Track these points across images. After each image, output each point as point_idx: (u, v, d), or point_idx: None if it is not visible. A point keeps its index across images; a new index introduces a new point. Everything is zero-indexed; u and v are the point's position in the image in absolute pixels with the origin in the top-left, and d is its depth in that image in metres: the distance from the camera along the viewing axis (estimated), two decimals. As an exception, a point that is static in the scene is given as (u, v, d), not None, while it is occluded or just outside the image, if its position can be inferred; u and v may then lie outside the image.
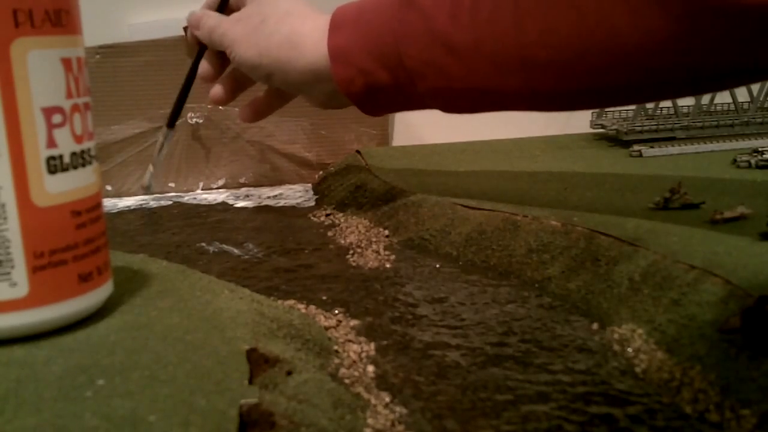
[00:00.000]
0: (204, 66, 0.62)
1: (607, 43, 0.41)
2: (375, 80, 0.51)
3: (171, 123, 0.68)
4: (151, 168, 0.69)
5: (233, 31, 0.57)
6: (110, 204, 0.76)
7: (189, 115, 0.81)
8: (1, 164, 0.27)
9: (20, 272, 0.28)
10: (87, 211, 0.30)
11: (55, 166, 0.29)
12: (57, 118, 0.29)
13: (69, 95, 0.29)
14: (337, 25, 0.52)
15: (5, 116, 0.27)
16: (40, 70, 0.28)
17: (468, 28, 0.45)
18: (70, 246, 0.30)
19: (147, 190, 0.71)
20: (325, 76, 0.53)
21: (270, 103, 0.64)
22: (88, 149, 0.31)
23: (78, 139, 0.30)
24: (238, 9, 0.60)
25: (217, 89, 0.62)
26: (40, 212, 0.28)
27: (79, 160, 0.30)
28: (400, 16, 0.48)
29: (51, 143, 0.29)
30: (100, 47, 0.79)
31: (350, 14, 0.52)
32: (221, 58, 0.62)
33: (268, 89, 0.63)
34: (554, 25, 0.42)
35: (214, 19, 0.60)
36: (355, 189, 0.68)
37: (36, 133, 0.28)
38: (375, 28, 0.50)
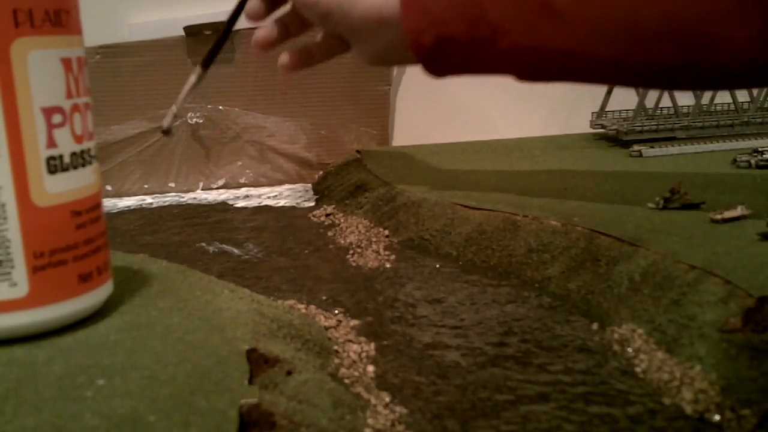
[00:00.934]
0: (253, 4, 0.56)
1: (727, 20, 0.37)
2: (449, 33, 0.45)
3: (206, 64, 0.63)
4: (173, 108, 0.65)
5: None
6: (110, 204, 0.76)
7: (189, 115, 0.81)
8: (1, 164, 0.27)
9: (20, 272, 0.28)
10: (87, 211, 0.30)
11: (55, 166, 0.29)
12: (57, 118, 0.29)
13: (69, 95, 0.29)
14: None
15: (5, 116, 0.27)
16: (40, 70, 0.28)
17: None
18: (70, 246, 0.29)
19: (166, 133, 0.68)
20: (391, 22, 0.47)
21: (316, 53, 0.58)
22: (88, 149, 0.31)
23: (78, 139, 0.30)
24: None
25: (263, 31, 0.57)
26: (40, 212, 0.28)
27: (79, 160, 0.30)
28: None
29: (51, 143, 0.28)
30: (100, 47, 0.79)
31: None
32: (270, 1, 0.56)
33: (321, 38, 0.58)
34: None
35: None
36: (355, 189, 0.68)
37: (36, 133, 0.28)
38: None
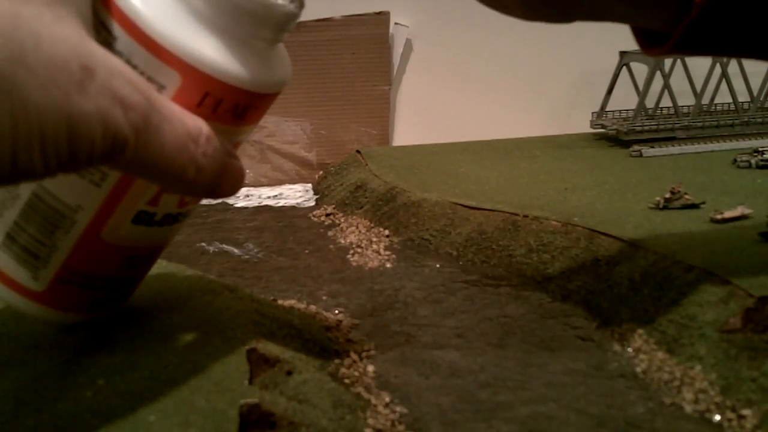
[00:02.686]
0: None
1: None
2: None
3: None
4: None
5: None
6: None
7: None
8: (95, 196, 0.26)
9: (47, 274, 0.28)
10: (144, 257, 0.29)
11: (142, 219, 0.27)
12: None
13: None
14: None
15: None
16: None
17: None
18: (105, 278, 0.29)
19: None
20: None
21: None
22: (186, 213, 0.29)
23: (182, 204, 0.28)
24: None
25: None
26: (100, 245, 0.27)
27: (170, 219, 0.28)
28: None
29: (153, 203, 0.27)
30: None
31: None
32: None
33: None
34: None
35: None
36: (355, 189, 0.68)
37: (146, 192, 0.26)
38: None
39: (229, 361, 0.28)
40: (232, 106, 0.25)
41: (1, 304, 0.30)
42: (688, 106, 0.83)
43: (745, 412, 0.30)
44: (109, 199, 0.26)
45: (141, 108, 0.21)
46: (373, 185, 0.66)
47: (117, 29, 0.23)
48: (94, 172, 0.25)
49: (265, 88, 0.25)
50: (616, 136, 0.82)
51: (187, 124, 0.22)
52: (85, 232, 0.27)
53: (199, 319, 0.32)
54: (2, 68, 0.18)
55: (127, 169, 0.22)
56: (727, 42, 0.34)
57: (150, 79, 0.23)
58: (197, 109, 0.24)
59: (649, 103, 0.83)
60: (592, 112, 0.86)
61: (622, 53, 0.84)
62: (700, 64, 0.81)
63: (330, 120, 0.84)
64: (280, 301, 0.41)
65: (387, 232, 0.58)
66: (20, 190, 0.26)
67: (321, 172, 0.81)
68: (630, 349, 0.37)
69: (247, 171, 0.82)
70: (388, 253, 0.54)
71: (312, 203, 0.73)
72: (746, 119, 0.82)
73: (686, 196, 0.51)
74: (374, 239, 0.57)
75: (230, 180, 0.25)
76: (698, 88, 0.81)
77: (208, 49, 0.23)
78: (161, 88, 0.23)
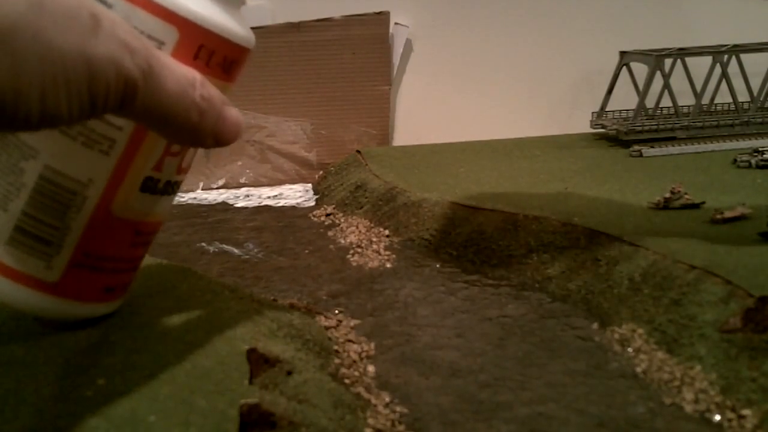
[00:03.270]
0: None
1: None
2: None
3: None
4: None
5: None
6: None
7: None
8: (105, 165, 0.27)
9: (61, 261, 0.28)
10: (147, 233, 0.30)
11: (149, 186, 0.28)
12: (175, 147, 0.28)
13: None
14: None
15: (135, 127, 0.27)
16: None
17: None
18: (116, 258, 0.29)
19: None
20: None
21: None
22: (180, 182, 0.30)
23: (180, 171, 0.30)
24: None
25: None
26: (110, 220, 0.28)
27: (170, 188, 0.30)
28: None
29: (158, 167, 0.28)
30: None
31: None
32: None
33: None
34: None
35: None
36: (355, 189, 0.68)
37: (152, 154, 0.28)
38: None
39: (229, 361, 0.28)
40: (222, 59, 0.28)
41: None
42: (688, 106, 0.83)
43: (745, 412, 0.30)
44: (119, 166, 0.27)
45: (144, 53, 0.22)
46: (373, 185, 0.66)
47: None
48: (102, 141, 0.26)
49: (247, 42, 0.29)
50: (616, 136, 0.82)
51: (183, 70, 0.24)
52: (96, 208, 0.27)
53: (199, 319, 0.32)
54: (27, 13, 0.19)
55: (139, 116, 0.23)
56: None
57: (150, 38, 0.25)
58: (193, 62, 0.26)
59: (649, 103, 0.83)
60: (592, 112, 0.86)
61: (622, 53, 0.84)
62: (700, 64, 0.81)
63: (330, 120, 0.84)
64: (280, 301, 0.41)
65: (387, 232, 0.58)
66: (25, 178, 0.27)
67: (321, 172, 0.81)
68: (630, 349, 0.37)
69: (247, 171, 0.82)
70: (388, 253, 0.54)
71: (312, 203, 0.73)
72: (746, 119, 0.82)
73: (686, 196, 0.51)
74: (374, 239, 0.57)
75: (230, 125, 0.26)
76: (698, 88, 0.81)
77: (202, 6, 0.27)
78: (161, 44, 0.26)
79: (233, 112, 0.27)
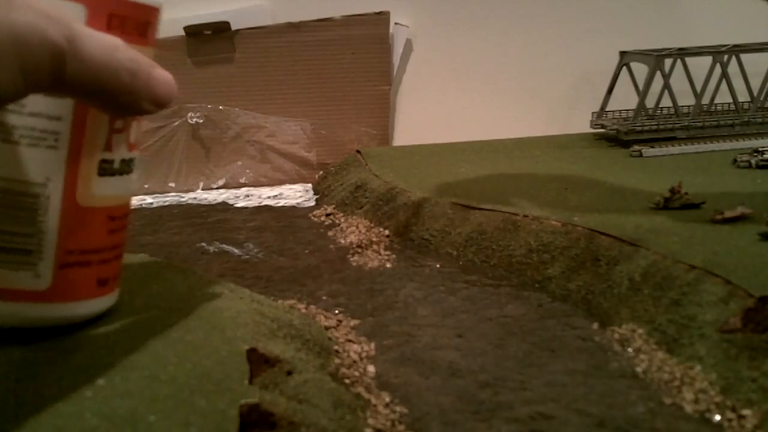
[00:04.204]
0: None
1: None
2: None
3: None
4: None
5: None
6: (110, 204, 0.76)
7: (189, 115, 0.81)
8: (57, 158, 0.27)
9: (47, 265, 0.28)
10: (120, 217, 0.30)
11: (105, 169, 0.29)
12: (119, 123, 0.29)
13: None
14: None
15: (74, 112, 0.27)
16: None
17: None
18: (99, 249, 0.29)
19: None
20: None
21: None
22: (134, 158, 0.31)
23: (131, 147, 0.30)
24: None
25: None
26: (80, 211, 0.28)
27: (126, 167, 0.30)
28: None
29: (108, 147, 0.28)
30: (100, 47, 0.79)
31: None
32: None
33: None
34: None
35: None
36: (355, 189, 0.68)
37: (98, 134, 0.28)
38: None
39: (229, 361, 0.28)
40: (135, 24, 0.28)
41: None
42: (688, 106, 0.83)
43: (745, 412, 0.30)
44: (71, 157, 0.27)
45: (64, 20, 0.22)
46: (373, 185, 0.66)
47: None
48: (46, 136, 0.27)
49: (154, 1, 0.29)
50: (616, 136, 0.82)
51: (104, 36, 0.24)
52: (63, 205, 0.28)
53: (199, 319, 0.32)
54: None
55: (72, 88, 0.23)
56: None
57: None
58: (108, 32, 0.26)
59: (649, 103, 0.83)
60: (592, 112, 0.86)
61: (622, 53, 0.84)
62: (700, 64, 0.81)
63: (330, 120, 0.84)
64: (280, 301, 0.41)
65: (387, 232, 0.58)
66: None
67: (321, 172, 0.81)
68: (630, 349, 0.37)
69: (247, 171, 0.82)
70: (388, 253, 0.54)
71: (312, 203, 0.73)
72: (746, 119, 0.82)
73: (686, 196, 0.51)
74: (374, 239, 0.57)
75: (163, 84, 0.26)
76: (698, 88, 0.81)
77: None
78: None
79: (163, 72, 0.27)
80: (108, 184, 0.29)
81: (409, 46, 0.91)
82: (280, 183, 0.83)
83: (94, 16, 0.26)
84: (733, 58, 0.81)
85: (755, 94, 0.83)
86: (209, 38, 0.81)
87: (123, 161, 0.29)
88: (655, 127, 0.81)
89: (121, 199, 0.30)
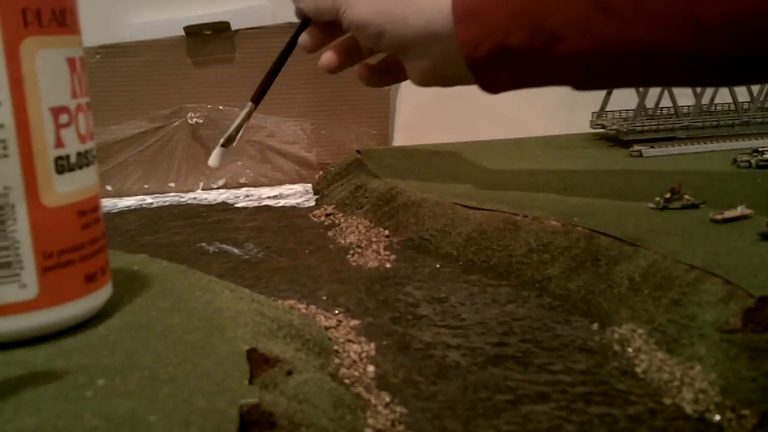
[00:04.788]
0: (304, 37, 0.59)
1: None
2: (505, 43, 0.44)
3: (257, 99, 0.63)
4: (221, 145, 0.64)
5: None
6: (110, 204, 0.76)
7: (189, 115, 0.81)
8: (11, 165, 0.27)
9: (30, 273, 0.28)
10: (91, 211, 0.31)
11: (62, 166, 0.29)
12: (64, 118, 0.29)
13: (74, 95, 0.29)
14: None
15: (15, 116, 0.27)
16: (48, 70, 0.28)
17: None
18: (77, 246, 0.30)
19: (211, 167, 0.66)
20: (443, 37, 0.47)
21: (385, 71, 0.60)
22: (91, 149, 0.31)
23: (82, 139, 0.30)
24: None
25: (327, 57, 0.59)
26: (48, 213, 0.28)
27: (84, 160, 0.30)
28: None
29: (59, 143, 0.28)
30: (100, 47, 0.79)
31: None
32: (324, 31, 0.59)
33: (380, 61, 0.59)
34: None
35: None
36: (355, 189, 0.68)
37: (45, 133, 0.28)
38: None
39: (229, 361, 0.28)
40: (51, 13, 0.28)
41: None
42: (688, 106, 0.83)
43: (745, 412, 0.30)
44: (24, 161, 0.27)
45: None
46: (373, 185, 0.66)
47: None
48: None
49: None
50: (616, 136, 0.82)
51: None
52: (29, 210, 0.28)
53: (199, 319, 0.32)
54: None
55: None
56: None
57: None
58: (26, 29, 0.27)
59: (649, 103, 0.83)
60: (592, 112, 0.85)
61: (622, 53, 0.83)
62: (700, 64, 0.81)
63: (330, 120, 0.84)
64: (280, 301, 0.41)
65: (387, 232, 0.58)
66: None
67: (321, 172, 0.81)
68: (630, 349, 0.37)
69: (247, 171, 0.82)
70: (387, 253, 0.54)
71: (312, 203, 0.73)
72: (746, 119, 0.82)
73: (686, 196, 0.51)
74: (374, 239, 0.57)
75: None
76: (698, 88, 0.81)
77: None
78: None
79: None
80: (69, 180, 0.29)
81: (409, 46, 0.91)
82: (280, 183, 0.83)
83: (7, 15, 0.26)
84: (733, 58, 0.81)
85: (755, 94, 0.83)
86: (209, 38, 0.81)
87: (79, 154, 0.30)
88: (655, 127, 0.81)
89: (87, 192, 0.30)
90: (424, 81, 0.54)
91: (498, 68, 0.47)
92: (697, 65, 0.42)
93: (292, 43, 0.60)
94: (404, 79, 0.58)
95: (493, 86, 0.50)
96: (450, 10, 0.46)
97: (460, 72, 0.48)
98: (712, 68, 0.42)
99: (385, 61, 0.59)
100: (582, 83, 0.47)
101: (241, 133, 0.62)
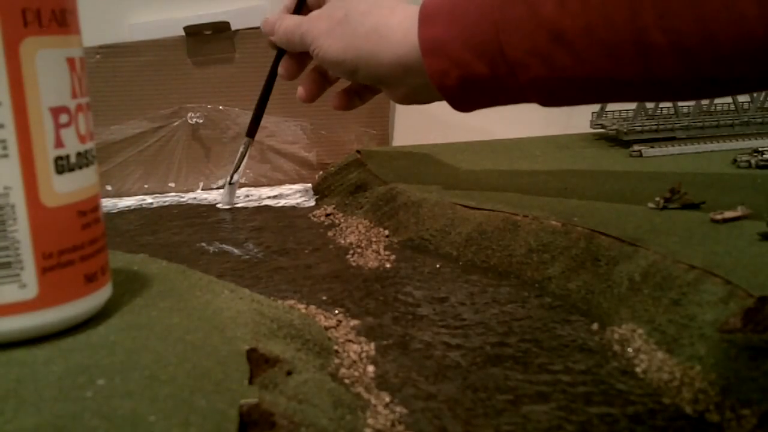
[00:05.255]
0: (280, 68, 0.63)
1: (733, 30, 0.38)
2: (471, 72, 0.48)
3: (251, 133, 0.70)
4: (228, 181, 0.72)
5: (316, 28, 0.56)
6: (110, 204, 0.76)
7: (189, 115, 0.81)
8: (11, 165, 0.27)
9: (30, 273, 0.28)
10: (91, 211, 0.31)
11: (62, 166, 0.29)
12: (64, 118, 0.29)
13: (74, 95, 0.29)
14: (428, 15, 0.49)
15: (15, 116, 0.27)
16: (48, 70, 0.28)
17: (577, 13, 0.42)
18: (77, 246, 0.30)
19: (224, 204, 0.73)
20: (415, 69, 0.51)
21: (359, 94, 0.63)
22: (91, 149, 0.31)
23: (82, 139, 0.30)
24: (317, 8, 0.59)
25: (303, 88, 0.63)
26: (49, 213, 0.28)
27: (84, 160, 0.30)
28: (501, 4, 0.45)
29: (59, 143, 0.28)
30: (100, 47, 0.79)
31: (443, 4, 0.49)
32: (299, 61, 0.62)
33: (354, 84, 0.62)
34: (672, 7, 0.39)
35: (292, 19, 0.59)
36: (355, 189, 0.68)
37: (45, 133, 0.28)
38: (472, 17, 0.47)
39: (229, 361, 0.28)
40: (51, 13, 0.28)
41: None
42: (688, 106, 0.83)
43: (745, 412, 0.30)
44: (24, 161, 0.27)
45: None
46: (372, 185, 0.66)
47: None
48: None
49: None
50: (616, 136, 0.82)
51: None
52: (29, 210, 0.28)
53: (199, 319, 0.32)
54: None
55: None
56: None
57: None
58: (26, 29, 0.27)
59: (649, 103, 0.83)
60: (592, 112, 0.85)
61: (622, 53, 0.83)
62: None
63: (330, 120, 0.84)
64: (280, 301, 0.41)
65: (387, 232, 0.58)
66: None
67: (321, 172, 0.81)
68: (630, 349, 0.37)
69: (247, 171, 0.82)
70: (387, 253, 0.54)
71: (312, 203, 0.73)
72: (746, 119, 0.82)
73: (686, 196, 0.51)
74: (374, 239, 0.57)
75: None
76: (698, 88, 0.81)
77: None
78: None
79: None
80: (69, 180, 0.29)
81: (409, 46, 0.91)
82: (280, 183, 0.83)
83: (6, 15, 0.26)
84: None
85: (755, 94, 0.83)
86: (209, 38, 0.81)
87: (79, 154, 0.30)
88: (655, 127, 0.81)
89: (86, 192, 0.30)
90: (404, 102, 0.57)
91: (468, 93, 0.50)
92: (652, 88, 0.45)
93: (273, 74, 0.65)
94: (380, 92, 0.61)
95: (465, 107, 0.53)
96: (418, 43, 0.49)
97: (436, 95, 0.52)
98: (669, 90, 0.45)
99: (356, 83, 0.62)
100: (548, 102, 0.49)
101: (243, 167, 0.68)
